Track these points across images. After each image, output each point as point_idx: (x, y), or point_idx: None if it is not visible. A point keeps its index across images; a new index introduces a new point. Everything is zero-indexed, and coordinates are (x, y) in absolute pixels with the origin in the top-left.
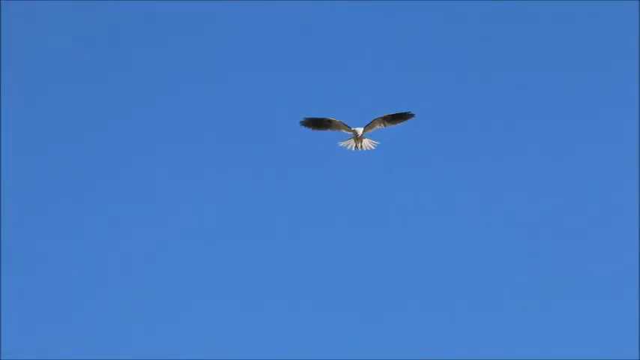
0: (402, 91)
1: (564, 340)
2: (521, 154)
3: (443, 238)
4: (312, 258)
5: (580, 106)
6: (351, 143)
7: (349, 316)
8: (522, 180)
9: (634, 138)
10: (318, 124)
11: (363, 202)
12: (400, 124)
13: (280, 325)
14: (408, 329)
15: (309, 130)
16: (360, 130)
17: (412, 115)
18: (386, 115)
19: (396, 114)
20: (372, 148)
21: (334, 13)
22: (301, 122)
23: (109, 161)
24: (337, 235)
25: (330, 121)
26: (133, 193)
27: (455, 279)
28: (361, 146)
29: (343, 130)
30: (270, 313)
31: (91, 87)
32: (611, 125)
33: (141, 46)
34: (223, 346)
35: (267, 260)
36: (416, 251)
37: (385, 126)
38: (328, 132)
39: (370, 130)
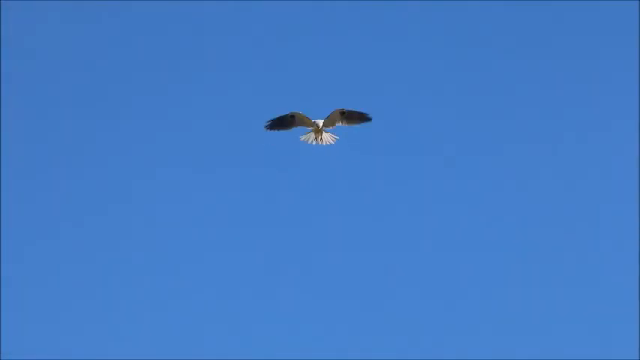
0: (398, 89)
1: (564, 340)
2: (522, 150)
3: (443, 233)
4: (311, 256)
5: (580, 106)
6: (312, 137)
7: (348, 316)
8: (523, 178)
9: (634, 139)
10: (281, 123)
11: (361, 193)
12: (356, 125)
13: (279, 325)
14: (407, 329)
15: (276, 133)
16: (320, 122)
17: (369, 119)
18: (344, 110)
19: (354, 112)
20: (332, 142)
21: (332, 13)
22: (265, 127)
23: (109, 160)
24: (336, 231)
25: (292, 116)
26: (133, 192)
27: (454, 280)
28: (321, 139)
29: (307, 125)
30: (269, 314)
31: (91, 87)
32: (610, 125)
33: (141, 46)
34: (223, 345)
35: (266, 258)
36: (415, 247)
37: (343, 124)
38: (294, 130)
39: (330, 126)
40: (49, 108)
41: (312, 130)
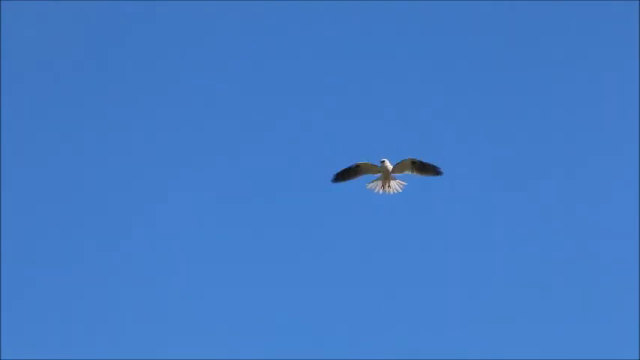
0: (401, 87)
1: (564, 340)
2: (519, 151)
3: (440, 232)
4: (311, 258)
5: (580, 106)
6: (379, 185)
7: (347, 316)
8: (520, 180)
9: (634, 139)
10: (347, 174)
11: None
12: (426, 176)
13: (278, 325)
14: (407, 330)
15: (342, 184)
16: (389, 165)
17: (440, 173)
18: (416, 159)
19: (426, 164)
20: (400, 190)
21: (336, 12)
22: (332, 180)
23: (109, 161)
24: (337, 235)
25: (357, 166)
26: (134, 193)
27: (452, 277)
28: (389, 186)
29: (372, 173)
30: (268, 314)
31: (91, 87)
32: (611, 126)
33: (141, 46)
34: (222, 346)
35: (266, 260)
36: (415, 247)
37: (412, 173)
38: (360, 178)
39: (398, 172)
40: (48, 108)
41: (379, 177)
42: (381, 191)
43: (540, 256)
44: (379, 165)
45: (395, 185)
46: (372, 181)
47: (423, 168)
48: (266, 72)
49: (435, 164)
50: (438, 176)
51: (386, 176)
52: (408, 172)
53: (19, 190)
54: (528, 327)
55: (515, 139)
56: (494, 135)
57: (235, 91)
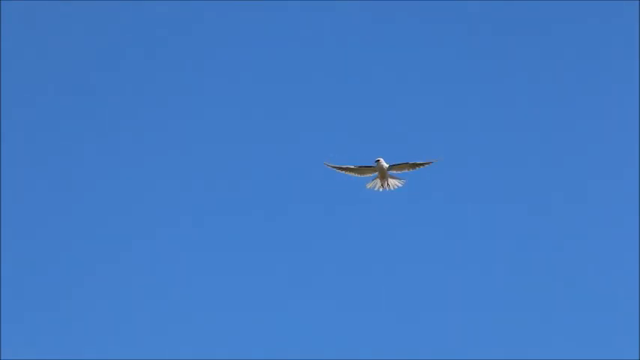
0: (401, 90)
1: (564, 340)
2: (518, 156)
3: (441, 232)
4: (312, 260)
5: (579, 106)
6: (378, 183)
7: (348, 318)
8: (521, 185)
9: (634, 140)
10: (343, 169)
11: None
12: (422, 168)
13: (279, 326)
14: (408, 331)
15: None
16: (384, 164)
17: (435, 160)
18: (416, 163)
19: (423, 162)
20: (400, 185)
21: (336, 13)
22: (329, 165)
23: (110, 162)
24: (339, 241)
25: (349, 168)
26: (134, 198)
27: (452, 280)
28: (388, 184)
29: (369, 174)
30: (269, 315)
31: (91, 87)
32: (610, 127)
33: (142, 46)
34: (221, 346)
35: (266, 266)
36: (420, 255)
37: (409, 170)
38: (354, 176)
39: (396, 171)
40: (48, 108)
41: (377, 176)
42: (381, 189)
43: (540, 257)
44: (374, 164)
45: (394, 182)
46: (372, 181)
47: (420, 165)
48: (264, 73)
49: (430, 160)
50: (435, 162)
51: (382, 175)
52: (406, 171)
53: (19, 190)
54: (528, 327)
55: (516, 140)
56: (495, 136)
57: (232, 91)
